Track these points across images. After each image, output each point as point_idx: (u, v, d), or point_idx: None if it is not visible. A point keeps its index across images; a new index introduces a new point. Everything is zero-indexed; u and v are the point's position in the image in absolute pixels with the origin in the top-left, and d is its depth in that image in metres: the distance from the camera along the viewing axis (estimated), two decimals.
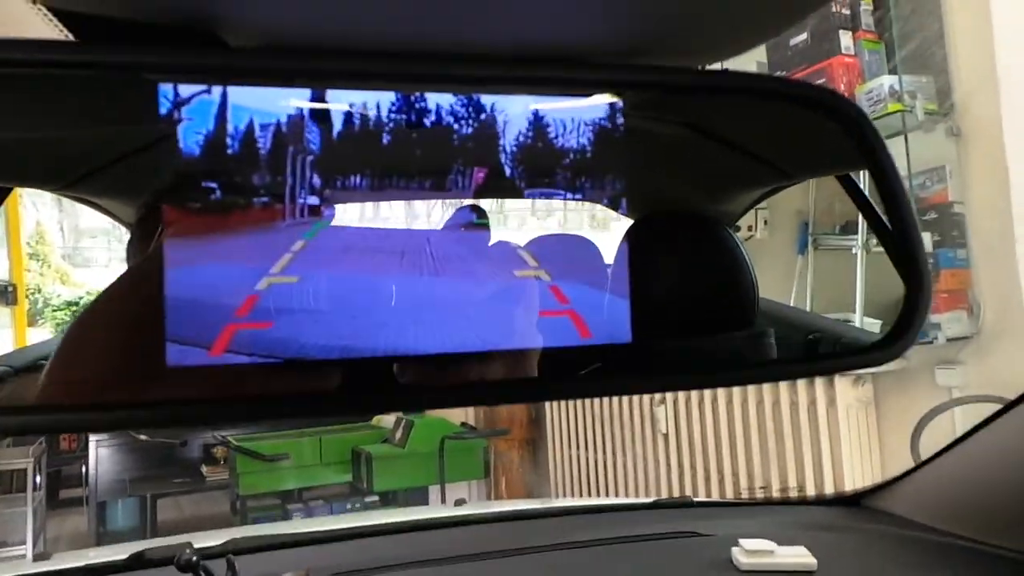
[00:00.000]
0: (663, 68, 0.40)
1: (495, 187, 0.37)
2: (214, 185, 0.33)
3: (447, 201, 0.36)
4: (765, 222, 3.06)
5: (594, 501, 1.70)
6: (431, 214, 0.36)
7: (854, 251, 2.65)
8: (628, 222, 0.43)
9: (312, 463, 3.91)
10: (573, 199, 0.38)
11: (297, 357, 0.34)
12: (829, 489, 2.44)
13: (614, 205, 0.39)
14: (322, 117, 0.34)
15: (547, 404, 3.92)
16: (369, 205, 0.35)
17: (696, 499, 1.21)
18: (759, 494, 2.65)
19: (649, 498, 1.22)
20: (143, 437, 4.67)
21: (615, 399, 3.46)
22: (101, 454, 4.58)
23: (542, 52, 0.36)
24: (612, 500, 2.02)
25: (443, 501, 3.70)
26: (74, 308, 5.23)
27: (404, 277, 0.36)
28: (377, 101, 0.35)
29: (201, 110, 0.32)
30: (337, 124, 0.35)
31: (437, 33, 0.33)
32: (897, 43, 2.37)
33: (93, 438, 4.58)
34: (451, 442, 3.74)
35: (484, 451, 4.02)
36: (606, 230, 0.41)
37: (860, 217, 2.58)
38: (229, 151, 0.33)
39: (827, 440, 2.50)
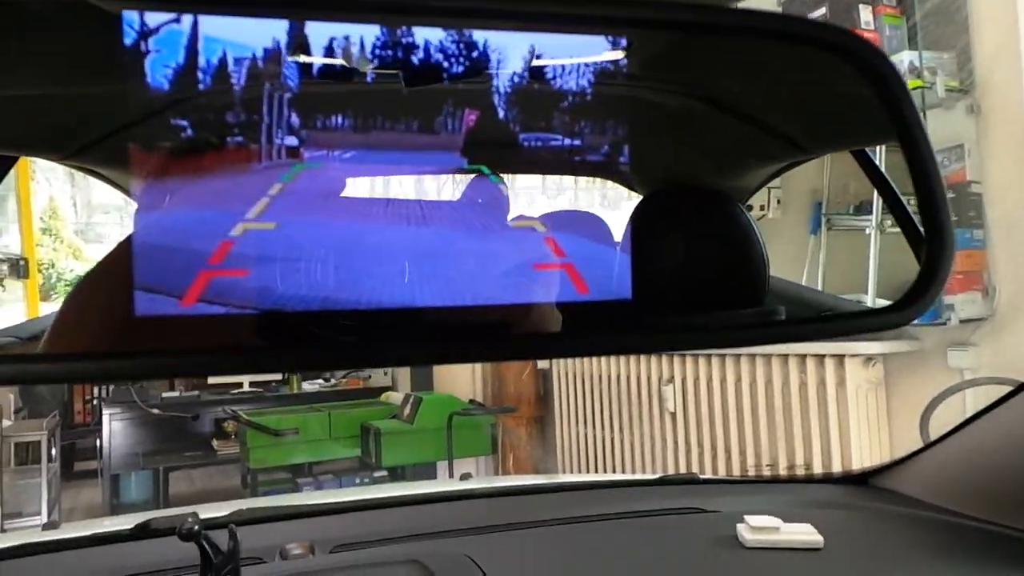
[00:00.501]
0: (685, 5, 0.37)
1: (487, 130, 0.34)
2: (185, 123, 0.31)
3: (437, 147, 0.34)
4: (778, 201, 3.02)
5: (600, 477, 1.71)
6: (419, 159, 0.34)
7: (868, 231, 2.61)
8: (639, 201, 0.41)
9: (321, 438, 3.94)
10: (571, 146, 0.36)
11: (274, 308, 0.32)
12: (837, 469, 2.43)
13: (615, 155, 0.37)
14: (301, 52, 0.32)
15: (555, 381, 3.93)
16: (352, 148, 0.33)
17: (702, 476, 1.21)
18: (766, 472, 2.65)
19: (655, 475, 1.22)
20: (156, 411, 4.72)
21: (623, 377, 3.46)
22: (115, 427, 4.64)
23: None
24: (618, 476, 2.03)
25: (451, 477, 3.72)
26: None
27: (389, 225, 0.34)
28: (361, 35, 0.32)
29: (170, 41, 0.30)
30: (317, 60, 0.32)
31: None
32: (919, 17, 2.32)
33: (107, 411, 4.63)
34: (459, 418, 3.75)
35: (492, 428, 4.04)
36: (617, 209, 0.39)
37: (875, 197, 2.55)
38: (201, 87, 0.31)
39: (836, 420, 2.49)
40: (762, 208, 2.93)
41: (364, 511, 1.00)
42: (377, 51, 0.33)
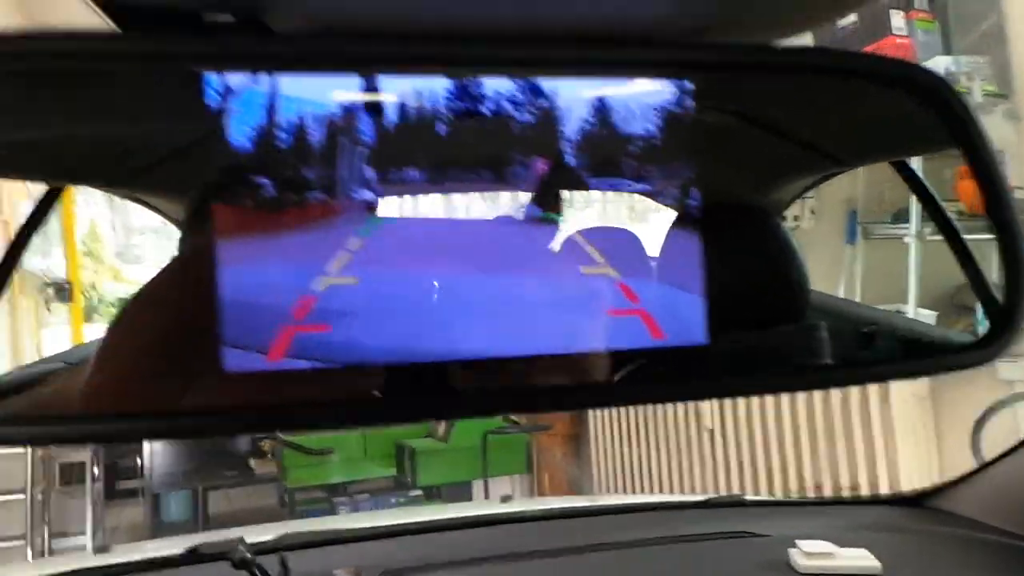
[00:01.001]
0: (737, 46, 0.37)
1: (558, 178, 0.35)
2: (264, 181, 0.32)
3: (508, 194, 0.35)
4: (812, 211, 2.98)
5: (644, 499, 1.68)
6: (492, 207, 0.35)
7: (907, 240, 2.56)
8: (666, 213, 0.41)
9: (357, 457, 3.96)
10: (640, 191, 0.36)
11: (357, 362, 0.33)
12: (884, 489, 2.36)
13: (684, 196, 0.37)
14: (374, 106, 0.33)
15: None
16: (426, 200, 0.34)
17: (749, 498, 1.19)
18: (811, 493, 2.59)
19: (697, 494, 1.20)
20: None
21: None
22: (155, 447, 4.72)
23: (608, 32, 0.34)
24: (662, 498, 2.00)
25: (486, 496, 3.71)
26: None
27: (466, 275, 0.34)
28: (431, 88, 0.33)
29: (248, 101, 0.31)
30: (390, 113, 0.33)
31: (494, 13, 0.31)
32: (953, 22, 2.28)
33: None
34: (494, 437, 3.74)
35: (527, 446, 4.02)
36: (644, 222, 0.39)
37: (912, 205, 2.50)
38: (278, 144, 0.32)
39: (881, 437, 2.42)
40: (796, 219, 2.89)
41: (410, 535, 1.00)
42: (446, 101, 0.33)
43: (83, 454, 3.99)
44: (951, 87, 0.40)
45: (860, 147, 0.66)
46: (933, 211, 0.72)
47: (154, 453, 4.68)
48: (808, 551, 0.84)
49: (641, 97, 0.36)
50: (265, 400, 0.32)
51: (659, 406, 3.42)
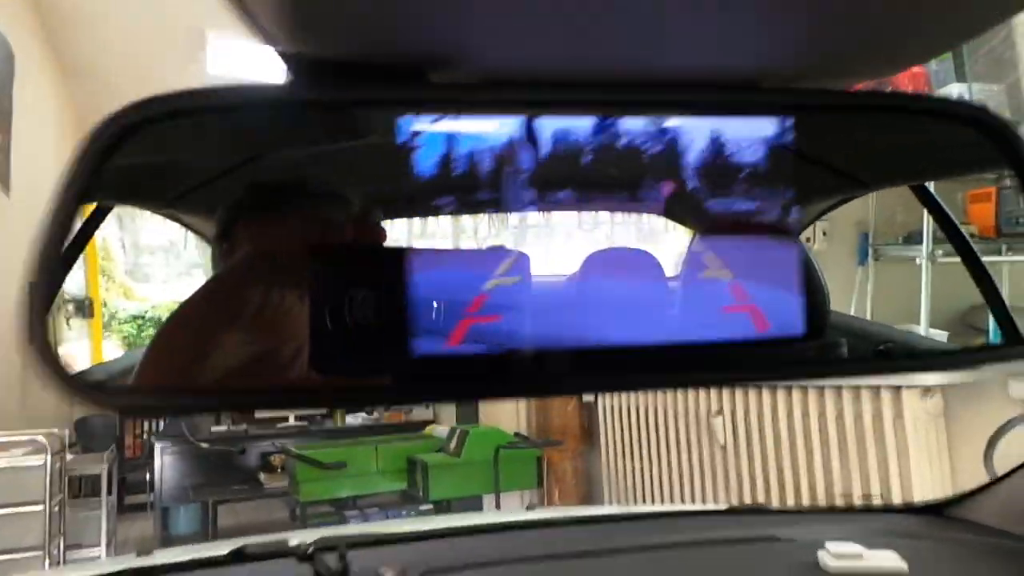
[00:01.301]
0: (822, 91, 0.43)
1: (681, 201, 0.42)
2: (446, 201, 0.41)
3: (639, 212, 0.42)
4: (824, 233, 3.02)
5: (668, 507, 1.71)
6: (624, 224, 0.43)
7: (919, 261, 2.60)
8: (680, 232, 0.47)
9: (369, 471, 3.98)
10: (751, 212, 0.43)
11: (522, 347, 0.40)
12: (897, 503, 2.38)
13: (784, 218, 0.43)
14: (528, 141, 0.41)
15: (600, 414, 3.94)
16: (574, 218, 0.43)
17: (771, 506, 1.22)
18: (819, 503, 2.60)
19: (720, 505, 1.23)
20: (204, 445, 4.82)
21: (670, 410, 3.45)
22: (165, 461, 4.74)
23: (718, 79, 0.40)
24: (686, 507, 2.02)
25: (498, 510, 3.72)
26: (139, 321, 5.49)
27: (606, 277, 0.43)
28: (575, 125, 0.41)
29: (428, 139, 0.39)
30: (541, 146, 0.41)
31: (621, 63, 0.37)
32: (966, 51, 2.33)
33: (158, 445, 4.75)
34: (505, 452, 3.76)
35: (537, 461, 4.03)
36: (656, 243, 0.46)
37: (925, 227, 2.54)
38: (454, 174, 0.40)
39: (895, 454, 2.44)
40: (808, 240, 2.93)
41: (448, 538, 1.04)
42: (587, 136, 0.41)
43: (98, 467, 4.02)
44: (1013, 127, 0.45)
45: (890, 171, 0.70)
46: (950, 232, 0.76)
47: (164, 467, 4.71)
48: (837, 552, 0.87)
49: (749, 132, 0.44)
50: (445, 376, 0.38)
51: (670, 423, 3.45)
